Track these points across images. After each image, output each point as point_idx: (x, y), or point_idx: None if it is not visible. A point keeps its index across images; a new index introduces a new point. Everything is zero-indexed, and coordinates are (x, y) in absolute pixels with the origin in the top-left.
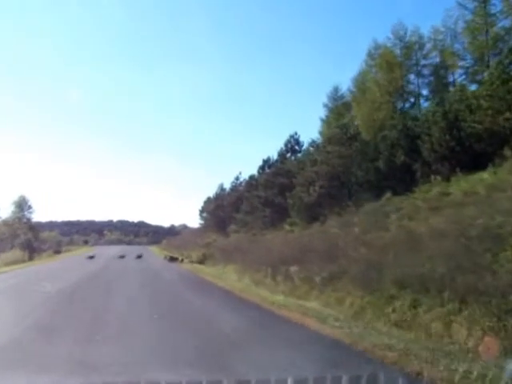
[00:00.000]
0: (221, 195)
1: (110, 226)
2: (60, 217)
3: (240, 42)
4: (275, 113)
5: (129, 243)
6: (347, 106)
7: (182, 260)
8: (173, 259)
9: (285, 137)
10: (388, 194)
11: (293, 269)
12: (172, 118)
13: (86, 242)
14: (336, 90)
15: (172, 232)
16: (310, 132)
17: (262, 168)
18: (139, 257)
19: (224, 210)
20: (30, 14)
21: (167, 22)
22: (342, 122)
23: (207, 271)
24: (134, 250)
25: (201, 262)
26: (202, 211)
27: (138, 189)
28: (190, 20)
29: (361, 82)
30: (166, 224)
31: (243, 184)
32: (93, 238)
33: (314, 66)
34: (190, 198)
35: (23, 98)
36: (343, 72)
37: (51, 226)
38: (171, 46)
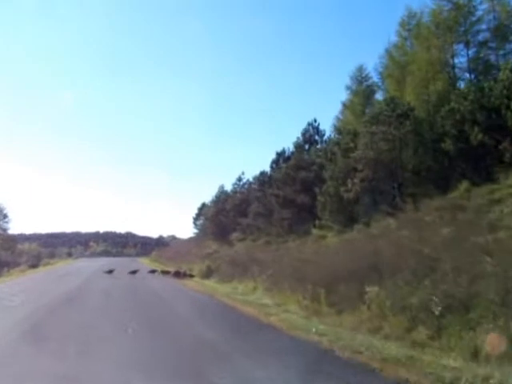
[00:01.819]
0: (221, 199)
1: (96, 237)
2: (45, 229)
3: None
4: (261, 123)
5: (116, 255)
6: (373, 89)
7: (185, 274)
8: (176, 274)
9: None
10: (465, 184)
11: (372, 290)
12: (160, 128)
13: (69, 255)
14: (360, 70)
15: (161, 243)
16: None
17: (275, 162)
18: (133, 272)
19: (226, 214)
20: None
21: (155, 33)
22: (389, 96)
23: (224, 291)
24: (123, 262)
25: (205, 276)
26: (196, 218)
27: (124, 200)
28: (179, 31)
29: (397, 55)
30: (154, 235)
31: (247, 185)
32: (78, 250)
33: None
34: (178, 209)
35: (8, 108)
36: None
37: (35, 238)
38: (160, 57)
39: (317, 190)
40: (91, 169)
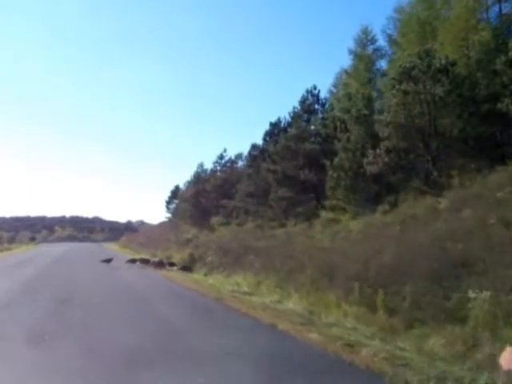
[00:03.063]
0: (201, 178)
1: (62, 221)
2: (9, 213)
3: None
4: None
5: (83, 240)
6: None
7: (172, 264)
8: (160, 264)
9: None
10: None
11: (477, 297)
12: (124, 113)
13: (32, 239)
14: (365, 32)
15: (129, 228)
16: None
17: (269, 134)
18: (108, 261)
19: (207, 196)
20: None
21: (118, 17)
22: (424, 48)
23: (224, 289)
24: (90, 248)
25: (186, 267)
26: (169, 202)
27: (91, 184)
28: (142, 16)
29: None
30: (122, 220)
31: (229, 164)
32: (42, 235)
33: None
34: (146, 194)
35: None
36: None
37: None
38: (123, 41)
39: (327, 163)
40: (55, 153)
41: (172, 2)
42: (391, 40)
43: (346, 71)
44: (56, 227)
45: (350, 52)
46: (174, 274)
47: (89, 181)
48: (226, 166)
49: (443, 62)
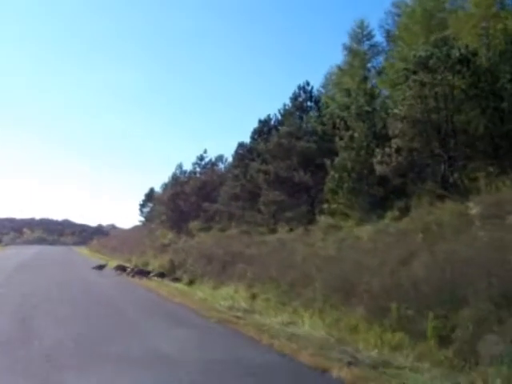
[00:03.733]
0: (180, 181)
1: (31, 224)
2: None
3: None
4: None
5: (52, 243)
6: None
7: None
8: (141, 273)
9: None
10: None
11: None
12: (97, 116)
13: None
14: (361, 26)
15: (100, 232)
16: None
17: (258, 133)
18: (100, 268)
19: (186, 198)
20: None
21: (95, 22)
22: (442, 35)
23: (213, 302)
24: (60, 252)
25: (163, 274)
26: (143, 205)
27: (61, 187)
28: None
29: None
30: (92, 223)
31: (209, 165)
32: (10, 237)
33: None
34: (117, 198)
35: None
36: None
37: None
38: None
39: (327, 163)
40: (30, 155)
41: (149, 6)
42: (389, 35)
43: (339, 68)
44: (25, 229)
45: (345, 47)
46: (156, 283)
47: (59, 183)
48: (207, 168)
49: (463, 51)
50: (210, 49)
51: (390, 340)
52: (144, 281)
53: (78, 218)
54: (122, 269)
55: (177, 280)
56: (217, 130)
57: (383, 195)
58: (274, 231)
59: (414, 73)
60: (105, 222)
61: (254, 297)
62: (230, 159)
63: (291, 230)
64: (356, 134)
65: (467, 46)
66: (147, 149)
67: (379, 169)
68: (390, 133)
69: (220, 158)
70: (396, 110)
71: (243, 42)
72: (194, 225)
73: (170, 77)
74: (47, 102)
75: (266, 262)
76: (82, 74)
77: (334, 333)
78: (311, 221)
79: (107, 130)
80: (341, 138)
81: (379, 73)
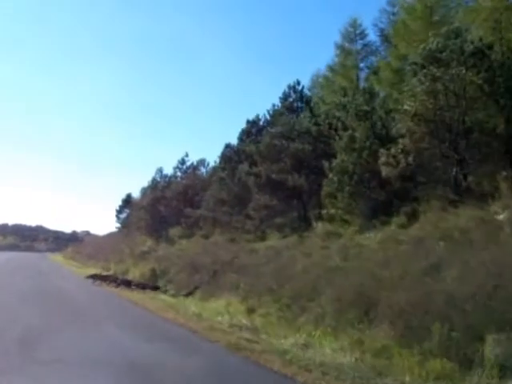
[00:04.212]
0: (160, 185)
1: (4, 229)
2: None
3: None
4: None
5: (25, 249)
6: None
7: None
8: (126, 284)
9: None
10: None
11: None
12: (73, 122)
13: None
14: (354, 25)
15: (74, 238)
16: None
17: (246, 133)
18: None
19: (167, 204)
20: None
21: (69, 28)
22: (453, 26)
23: (212, 319)
24: (33, 259)
25: (144, 285)
26: (119, 211)
27: (35, 192)
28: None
29: None
30: (67, 230)
31: (190, 170)
32: None
33: None
34: (92, 204)
35: None
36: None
37: None
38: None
39: (326, 165)
40: (4, 160)
41: (125, 11)
42: (383, 34)
43: (330, 67)
44: None
45: (337, 46)
46: (141, 295)
47: (33, 188)
48: (188, 172)
49: (477, 44)
50: (191, 51)
51: (436, 369)
52: (126, 292)
53: (53, 224)
54: (101, 278)
55: (158, 289)
56: (198, 133)
57: (386, 200)
58: (262, 238)
59: (423, 67)
60: (79, 228)
61: (251, 311)
62: (213, 163)
63: (284, 236)
64: (357, 134)
65: (481, 39)
66: (124, 154)
67: (385, 171)
68: (394, 132)
69: (202, 161)
70: (406, 107)
71: (225, 43)
72: (174, 231)
73: (149, 80)
74: (20, 106)
75: (260, 272)
76: (58, 78)
77: (361, 356)
78: (304, 227)
79: (82, 134)
80: (341, 138)
81: (375, 72)
